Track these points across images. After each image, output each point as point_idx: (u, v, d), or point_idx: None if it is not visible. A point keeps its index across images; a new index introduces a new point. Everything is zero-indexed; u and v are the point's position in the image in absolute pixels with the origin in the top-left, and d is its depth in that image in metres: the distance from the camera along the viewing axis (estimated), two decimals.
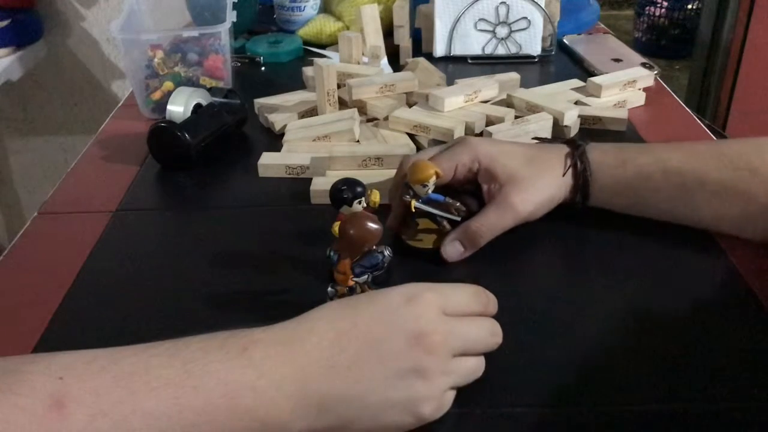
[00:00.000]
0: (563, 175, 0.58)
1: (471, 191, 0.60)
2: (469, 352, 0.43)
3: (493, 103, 0.81)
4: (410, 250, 0.58)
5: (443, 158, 0.59)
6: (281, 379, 0.37)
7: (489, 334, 0.44)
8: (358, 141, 0.75)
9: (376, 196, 0.53)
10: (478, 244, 0.57)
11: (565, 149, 0.60)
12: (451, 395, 0.42)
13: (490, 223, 0.57)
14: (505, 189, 0.57)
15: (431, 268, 0.57)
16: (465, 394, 0.43)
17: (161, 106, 0.82)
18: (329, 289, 0.50)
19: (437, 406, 0.41)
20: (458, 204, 0.57)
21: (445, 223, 0.58)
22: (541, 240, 0.59)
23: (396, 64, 0.98)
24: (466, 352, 0.42)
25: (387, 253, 0.49)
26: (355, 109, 0.79)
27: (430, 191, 0.55)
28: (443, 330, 0.41)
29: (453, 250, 0.57)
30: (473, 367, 0.43)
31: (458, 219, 0.57)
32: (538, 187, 0.58)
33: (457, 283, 0.45)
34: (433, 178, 0.55)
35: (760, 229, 0.56)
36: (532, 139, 0.72)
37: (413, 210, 0.56)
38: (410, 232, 0.59)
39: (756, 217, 0.55)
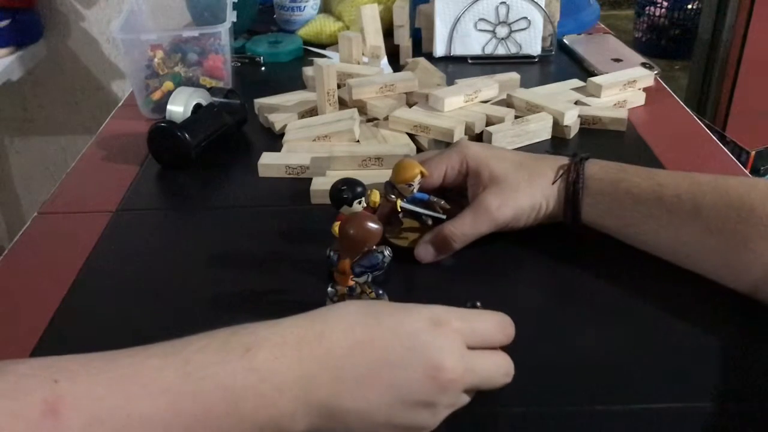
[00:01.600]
0: (553, 183, 0.57)
1: (466, 194, 0.60)
2: (479, 389, 0.42)
3: (493, 103, 0.81)
4: (408, 253, 0.57)
5: (434, 159, 0.58)
6: (284, 382, 0.36)
7: (504, 374, 0.42)
8: (358, 141, 0.75)
9: (376, 196, 0.53)
10: (450, 248, 0.56)
11: (563, 160, 0.58)
12: None
13: (465, 228, 0.56)
14: (484, 193, 0.56)
15: (430, 270, 0.57)
16: None
17: (161, 106, 0.82)
18: (329, 289, 0.50)
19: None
20: (443, 202, 0.57)
21: (430, 222, 0.58)
22: (542, 244, 0.59)
23: (396, 64, 0.98)
24: (476, 388, 0.41)
25: (387, 253, 0.49)
26: (355, 109, 0.79)
27: (415, 191, 0.55)
28: (463, 368, 0.39)
29: (425, 252, 0.56)
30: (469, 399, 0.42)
31: (443, 218, 0.57)
32: (519, 194, 0.56)
33: (484, 311, 0.43)
34: (418, 178, 0.55)
35: (753, 279, 0.50)
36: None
37: (399, 210, 0.56)
38: (395, 231, 0.59)
39: (749, 263, 0.49)
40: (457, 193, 0.60)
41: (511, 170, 0.57)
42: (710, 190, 0.52)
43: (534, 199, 0.56)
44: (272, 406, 0.36)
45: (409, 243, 0.58)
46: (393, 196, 0.56)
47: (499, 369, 0.42)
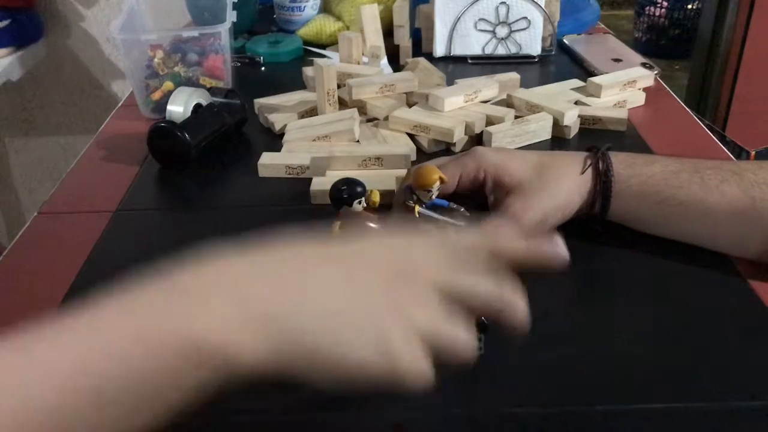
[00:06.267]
0: (582, 173, 0.56)
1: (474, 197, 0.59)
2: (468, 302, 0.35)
3: (493, 103, 0.81)
4: None
5: (448, 166, 0.58)
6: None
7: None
8: (358, 141, 0.75)
9: (376, 196, 0.53)
10: None
11: (585, 153, 0.58)
12: (427, 359, 0.33)
13: None
14: (509, 198, 0.56)
15: None
16: (465, 394, 0.43)
17: (161, 106, 0.82)
18: None
19: (412, 353, 0.33)
20: (463, 209, 0.57)
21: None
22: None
23: (396, 64, 0.98)
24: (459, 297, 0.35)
25: None
26: (355, 109, 0.79)
27: (434, 197, 0.55)
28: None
29: None
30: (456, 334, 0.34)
31: (462, 226, 0.57)
32: (545, 197, 0.56)
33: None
34: (437, 183, 0.54)
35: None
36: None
37: (417, 216, 0.56)
38: None
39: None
40: (467, 197, 0.59)
41: (533, 175, 0.56)
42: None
43: (560, 199, 0.56)
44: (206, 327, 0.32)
45: None
46: (411, 202, 0.55)
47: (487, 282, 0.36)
